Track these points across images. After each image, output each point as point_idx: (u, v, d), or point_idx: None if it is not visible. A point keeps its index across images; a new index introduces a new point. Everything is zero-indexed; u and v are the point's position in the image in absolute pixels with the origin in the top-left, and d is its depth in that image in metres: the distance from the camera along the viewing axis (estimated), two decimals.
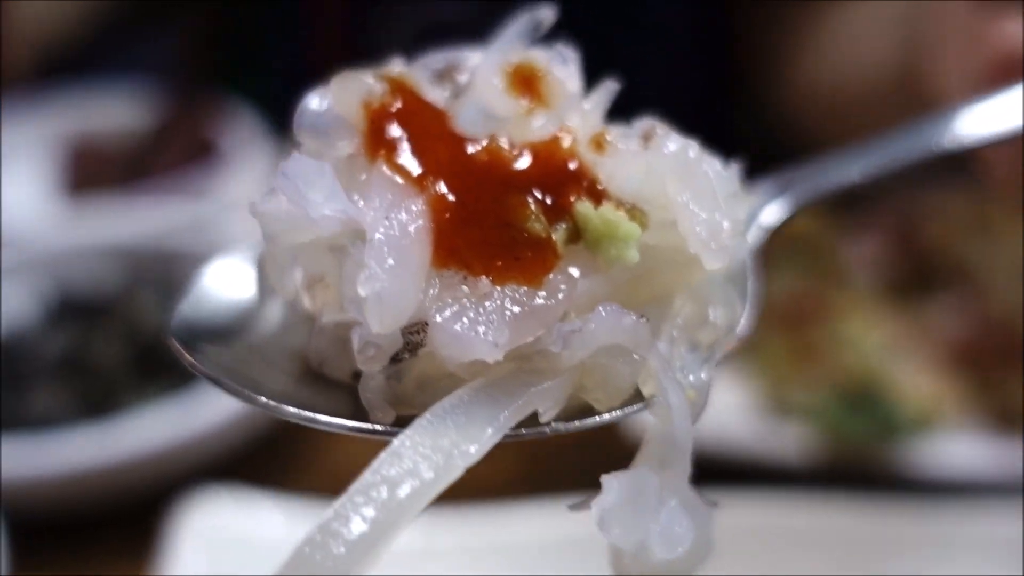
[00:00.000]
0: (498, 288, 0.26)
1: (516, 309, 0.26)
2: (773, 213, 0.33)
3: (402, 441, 0.26)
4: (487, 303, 0.26)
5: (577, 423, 0.28)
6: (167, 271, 0.74)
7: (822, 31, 0.87)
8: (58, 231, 0.79)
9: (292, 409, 0.28)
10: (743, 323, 0.30)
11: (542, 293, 0.27)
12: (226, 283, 0.32)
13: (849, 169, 0.34)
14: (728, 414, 0.62)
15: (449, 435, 0.26)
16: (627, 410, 0.28)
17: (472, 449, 0.26)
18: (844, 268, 0.71)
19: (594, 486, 0.55)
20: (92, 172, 0.83)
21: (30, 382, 0.63)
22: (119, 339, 0.66)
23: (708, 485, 0.51)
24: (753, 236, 0.32)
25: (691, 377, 0.28)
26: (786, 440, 0.59)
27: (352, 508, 0.25)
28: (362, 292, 0.26)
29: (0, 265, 0.72)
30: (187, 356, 0.29)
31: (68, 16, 1.03)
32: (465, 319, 0.26)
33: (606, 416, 0.28)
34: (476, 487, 0.58)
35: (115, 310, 0.69)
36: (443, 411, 0.26)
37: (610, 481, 0.27)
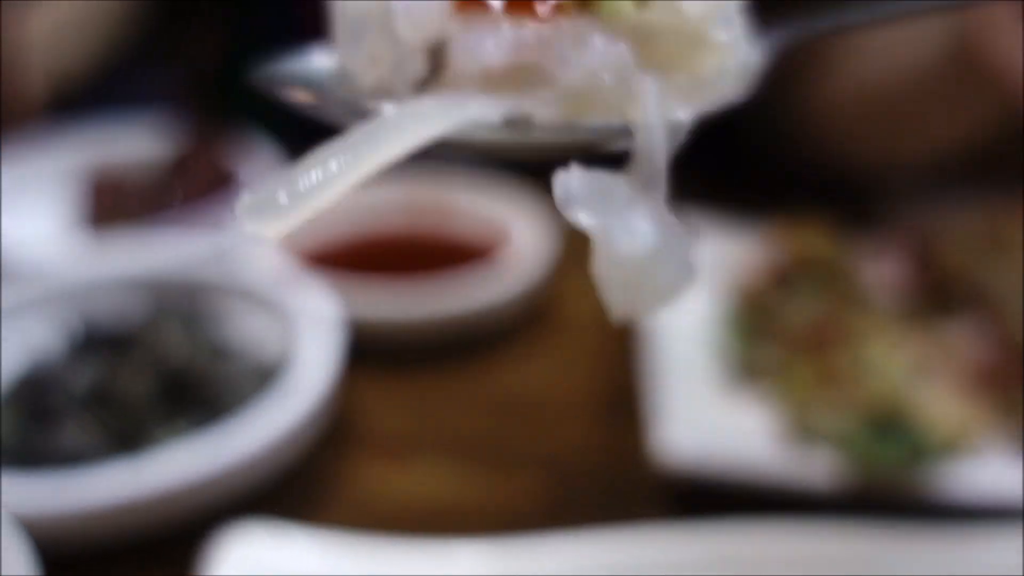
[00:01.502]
0: (510, 19, 0.31)
1: (524, 33, 0.31)
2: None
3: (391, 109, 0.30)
4: (500, 28, 0.31)
5: (564, 130, 0.31)
6: (190, 301, 0.76)
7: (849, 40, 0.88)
8: (79, 263, 0.80)
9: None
10: (733, 87, 0.33)
11: (548, 26, 0.31)
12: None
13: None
14: (753, 441, 0.64)
15: (444, 104, 0.30)
16: (612, 125, 0.31)
17: (465, 112, 0.30)
18: (863, 292, 0.74)
19: (617, 520, 0.57)
20: (112, 206, 0.85)
21: (58, 417, 0.64)
22: (146, 371, 0.67)
23: (736, 513, 0.53)
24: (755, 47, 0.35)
25: (673, 113, 0.31)
26: (813, 467, 0.60)
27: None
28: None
29: (9, 298, 0.73)
30: (279, 90, 0.34)
31: (80, 50, 1.05)
32: (479, 36, 0.31)
33: (592, 125, 0.31)
34: (497, 518, 0.60)
35: (140, 341, 0.70)
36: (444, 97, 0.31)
37: (574, 169, 0.30)
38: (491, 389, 0.74)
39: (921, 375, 0.66)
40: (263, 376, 0.69)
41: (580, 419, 0.71)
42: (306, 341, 0.70)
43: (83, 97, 1.10)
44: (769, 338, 0.71)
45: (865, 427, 0.60)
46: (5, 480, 0.57)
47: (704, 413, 0.66)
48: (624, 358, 0.77)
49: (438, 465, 0.66)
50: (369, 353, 0.74)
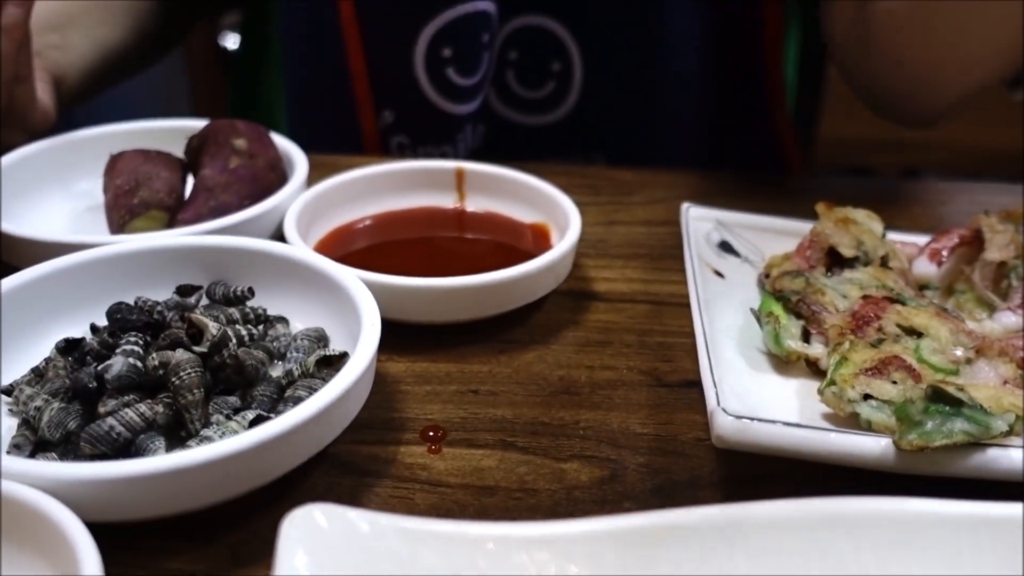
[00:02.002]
0: None
1: None
2: None
3: None
4: None
5: None
6: (220, 270, 0.75)
7: None
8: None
9: None
10: None
11: None
12: None
13: None
14: (808, 418, 0.63)
15: None
16: None
17: None
18: (912, 277, 0.73)
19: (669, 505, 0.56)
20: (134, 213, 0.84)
21: (95, 403, 0.63)
22: (178, 349, 0.66)
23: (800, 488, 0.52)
24: None
25: None
26: (873, 445, 0.59)
27: None
28: None
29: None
30: None
31: (90, 63, 1.04)
32: None
33: None
34: (549, 503, 0.59)
35: (170, 320, 0.69)
36: None
37: None
38: (531, 372, 0.73)
39: (976, 363, 0.65)
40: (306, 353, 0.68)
41: (626, 400, 0.70)
42: (343, 319, 0.69)
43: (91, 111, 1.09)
44: (817, 320, 0.70)
45: (928, 405, 0.59)
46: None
47: (758, 393, 0.65)
48: (664, 340, 0.77)
49: (481, 450, 0.65)
50: (403, 335, 0.73)
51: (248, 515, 0.59)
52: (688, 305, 0.73)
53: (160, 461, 0.54)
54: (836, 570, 0.49)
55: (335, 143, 1.09)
